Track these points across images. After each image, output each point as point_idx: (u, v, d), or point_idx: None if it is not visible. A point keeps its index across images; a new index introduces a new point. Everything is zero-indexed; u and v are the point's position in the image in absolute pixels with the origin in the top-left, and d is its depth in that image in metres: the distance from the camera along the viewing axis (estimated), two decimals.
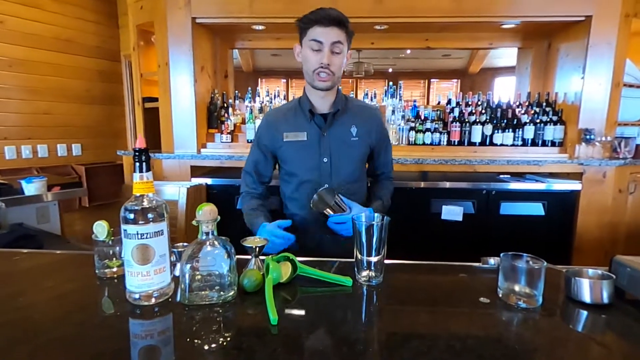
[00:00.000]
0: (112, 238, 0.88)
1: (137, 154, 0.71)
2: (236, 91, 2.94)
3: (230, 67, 3.07)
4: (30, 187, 2.02)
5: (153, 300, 0.74)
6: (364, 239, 0.85)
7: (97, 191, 3.25)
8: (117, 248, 0.88)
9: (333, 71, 1.17)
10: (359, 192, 1.32)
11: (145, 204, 0.73)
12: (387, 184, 1.40)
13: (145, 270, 0.72)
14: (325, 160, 1.24)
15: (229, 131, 2.69)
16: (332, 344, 0.63)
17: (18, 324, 0.67)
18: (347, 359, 0.59)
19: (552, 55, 2.70)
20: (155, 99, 2.82)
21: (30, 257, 1.03)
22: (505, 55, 5.55)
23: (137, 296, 0.74)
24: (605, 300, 0.74)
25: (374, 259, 0.85)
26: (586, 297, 0.75)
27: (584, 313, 0.74)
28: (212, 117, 2.73)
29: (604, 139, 2.39)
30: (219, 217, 0.76)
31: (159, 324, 0.70)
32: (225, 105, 2.77)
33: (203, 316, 0.71)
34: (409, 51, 5.44)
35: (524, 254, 0.78)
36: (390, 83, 2.84)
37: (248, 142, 2.68)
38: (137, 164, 0.71)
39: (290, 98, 3.30)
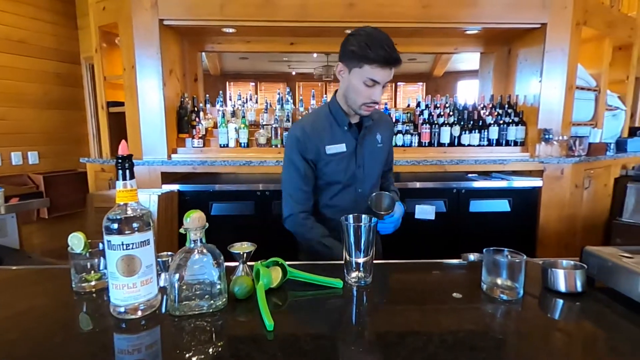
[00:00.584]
0: (90, 250, 0.84)
1: (120, 161, 0.68)
2: (207, 95, 2.88)
3: (200, 71, 3.00)
4: None
5: (139, 313, 0.71)
6: (352, 241, 0.86)
7: (57, 201, 3.06)
8: (96, 260, 0.84)
9: (378, 102, 1.21)
10: (377, 189, 1.42)
11: (130, 212, 0.70)
12: (390, 178, 1.53)
13: (132, 282, 0.69)
14: (359, 167, 1.30)
15: (200, 136, 2.63)
16: (330, 345, 0.64)
17: None
18: (348, 359, 0.59)
19: (512, 60, 2.85)
20: (121, 103, 2.70)
21: None
22: (467, 59, 5.80)
23: (122, 309, 0.70)
24: (579, 288, 0.80)
25: (362, 260, 0.86)
26: (562, 287, 0.80)
27: (560, 301, 0.79)
28: (183, 122, 2.66)
29: (560, 138, 2.55)
30: (207, 224, 0.75)
31: (147, 338, 0.68)
32: (196, 109, 2.70)
33: (194, 326, 0.69)
34: None
35: (505, 249, 0.82)
36: None
37: (221, 146, 2.63)
38: (121, 171, 0.69)
39: (261, 102, 3.27)
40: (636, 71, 3.21)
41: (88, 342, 0.65)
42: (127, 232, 0.68)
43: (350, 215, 0.88)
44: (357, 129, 1.29)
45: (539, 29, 2.51)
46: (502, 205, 2.47)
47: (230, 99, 2.86)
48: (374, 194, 1.24)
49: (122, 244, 0.68)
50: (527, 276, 0.81)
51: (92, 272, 0.84)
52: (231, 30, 2.61)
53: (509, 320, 0.74)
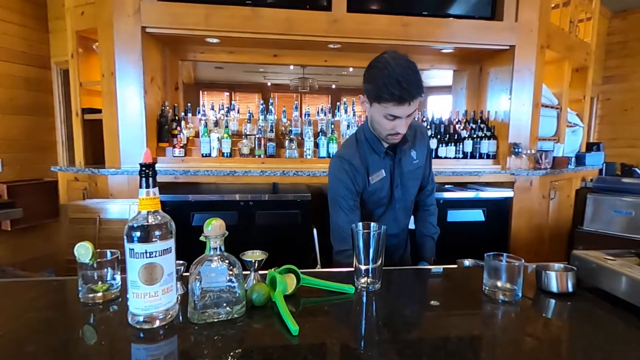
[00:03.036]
0: (98, 260, 0.82)
1: (143, 168, 0.68)
2: (189, 104, 2.84)
3: (181, 79, 2.97)
4: None
5: (157, 322, 0.70)
6: (361, 249, 0.89)
7: (23, 212, 2.88)
8: (104, 270, 0.82)
9: (404, 132, 1.18)
10: (412, 206, 1.44)
11: (151, 220, 0.70)
12: (433, 210, 1.49)
13: (153, 290, 0.69)
14: (397, 187, 1.32)
15: (182, 145, 2.58)
16: (354, 347, 0.66)
17: (7, 354, 0.60)
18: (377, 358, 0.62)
19: (484, 77, 3.04)
20: (97, 110, 2.62)
21: None
22: (437, 76, 6.09)
23: (140, 319, 0.69)
24: (570, 289, 0.87)
25: (371, 266, 0.89)
26: (554, 288, 0.87)
27: (553, 301, 0.86)
28: (163, 131, 2.61)
29: (529, 151, 2.73)
30: (227, 232, 0.76)
31: (166, 347, 0.67)
32: (177, 118, 2.66)
33: (217, 334, 0.69)
34: (351, 69, 5.70)
35: (504, 254, 0.88)
36: (344, 100, 2.96)
37: (203, 156, 2.60)
38: (144, 179, 0.69)
39: (242, 112, 3.26)
40: (591, 91, 3.51)
41: (109, 354, 0.64)
42: (149, 240, 0.68)
43: (360, 223, 0.92)
44: (393, 152, 1.29)
45: (508, 50, 2.70)
46: (477, 215, 2.60)
47: (213, 108, 2.84)
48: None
49: (146, 252, 0.67)
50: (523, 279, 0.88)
51: (100, 282, 0.82)
52: (215, 40, 2.62)
53: (510, 319, 0.79)
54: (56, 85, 3.24)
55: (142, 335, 0.69)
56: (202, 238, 0.74)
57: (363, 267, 0.89)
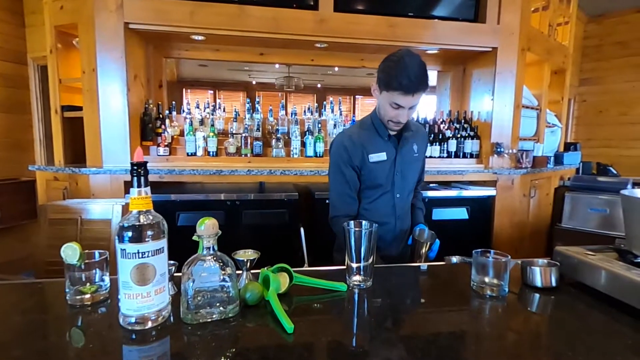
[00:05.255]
0: (85, 261, 0.80)
1: (135, 167, 0.67)
2: (173, 102, 2.80)
3: (165, 77, 2.92)
4: None
5: (150, 323, 0.69)
6: (353, 246, 0.90)
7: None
8: (93, 271, 0.80)
9: (404, 122, 1.30)
10: (409, 204, 1.51)
11: (143, 220, 0.69)
12: (420, 192, 1.62)
13: (146, 290, 0.68)
14: (397, 175, 1.39)
15: (166, 144, 2.54)
16: (347, 344, 0.67)
17: None
18: (374, 355, 0.63)
19: (467, 78, 3.10)
20: (77, 108, 2.55)
21: None
22: None
23: (132, 320, 0.68)
24: (553, 283, 0.90)
25: (363, 264, 0.90)
26: (538, 282, 0.91)
27: (538, 295, 0.89)
28: (147, 129, 2.56)
29: (510, 151, 2.81)
30: (220, 232, 0.75)
31: (158, 348, 0.66)
32: (161, 116, 2.62)
33: (211, 334, 0.68)
34: (337, 68, 5.73)
35: (491, 250, 0.91)
36: (331, 99, 2.97)
37: (188, 155, 2.56)
38: (136, 178, 0.67)
39: (221, 109, 3.23)
40: (569, 93, 3.63)
41: (99, 356, 0.62)
42: (142, 240, 0.67)
43: (352, 222, 0.93)
44: (397, 139, 1.39)
45: (491, 52, 2.77)
46: (461, 213, 2.65)
47: (198, 107, 2.81)
48: (417, 228, 1.39)
49: (138, 252, 0.66)
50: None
51: (88, 284, 0.80)
52: (200, 37, 2.58)
53: (498, 314, 0.82)
54: (33, 81, 3.13)
55: (134, 336, 0.68)
56: (195, 237, 0.73)
57: (355, 265, 0.90)
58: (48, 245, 2.08)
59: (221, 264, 0.75)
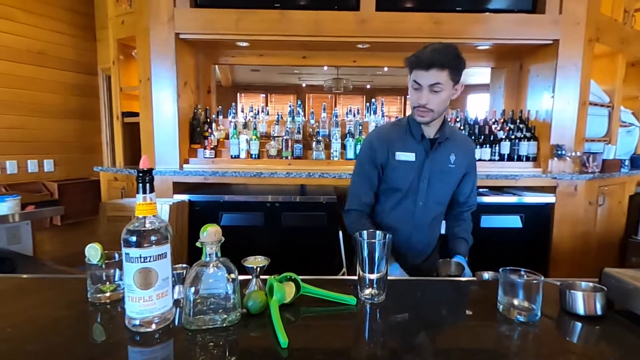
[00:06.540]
0: (106, 261, 0.85)
1: (140, 174, 0.70)
2: (219, 106, 2.92)
3: (213, 83, 3.05)
4: (3, 206, 1.91)
5: (154, 326, 0.71)
6: (366, 257, 0.85)
7: (70, 209, 3.09)
8: (112, 271, 0.85)
9: (431, 109, 1.22)
10: (440, 215, 1.42)
11: (148, 225, 0.71)
12: (468, 221, 1.47)
13: (148, 295, 0.70)
14: (424, 180, 1.31)
15: (212, 146, 2.66)
16: None
17: (11, 353, 0.63)
18: None
19: (524, 75, 2.85)
20: (135, 114, 2.76)
21: (9, 281, 0.97)
22: (478, 73, 5.80)
23: (137, 322, 0.71)
24: (599, 311, 0.78)
25: (376, 276, 0.85)
26: (580, 310, 0.79)
27: (579, 325, 0.78)
28: (195, 133, 2.69)
29: (573, 154, 2.52)
30: (223, 239, 0.75)
31: (160, 351, 0.68)
32: (209, 120, 2.74)
33: (208, 341, 0.69)
34: (386, 68, 5.60)
35: (522, 269, 0.81)
36: (373, 100, 2.91)
37: (232, 157, 2.66)
38: (141, 184, 0.70)
39: (272, 113, 3.31)
40: None
41: (104, 354, 0.65)
42: (145, 245, 0.69)
43: (365, 231, 0.88)
44: (430, 143, 1.31)
45: (551, 45, 2.51)
46: (513, 221, 2.44)
47: (242, 111, 2.90)
48: (440, 261, 1.26)
49: (140, 257, 0.68)
50: (544, 297, 0.80)
51: (108, 283, 0.85)
52: (245, 44, 2.66)
53: (526, 342, 0.72)
54: (102, 90, 3.46)
55: (137, 338, 0.70)
56: (198, 244, 0.74)
57: (367, 277, 0.86)
58: (107, 240, 2.28)
59: (224, 270, 0.75)
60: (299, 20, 2.44)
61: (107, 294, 0.84)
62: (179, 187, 2.48)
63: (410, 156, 1.30)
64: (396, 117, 2.85)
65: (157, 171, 2.49)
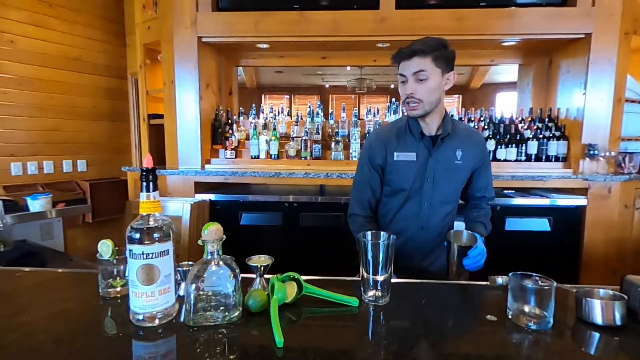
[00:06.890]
0: (117, 257, 0.88)
1: (144, 173, 0.72)
2: (240, 108, 2.97)
3: (235, 84, 3.11)
4: (36, 204, 2.03)
5: (157, 321, 0.73)
6: (370, 258, 0.84)
7: (101, 207, 3.25)
8: (122, 267, 0.88)
9: (420, 99, 1.18)
10: (451, 213, 1.36)
11: (152, 223, 0.73)
12: (487, 209, 1.42)
13: (150, 290, 0.71)
14: (428, 180, 1.28)
15: (233, 147, 2.71)
16: None
17: (20, 343, 0.67)
18: None
19: (553, 71, 2.72)
20: (161, 116, 2.85)
21: (33, 275, 1.03)
22: (506, 70, 5.61)
23: (140, 317, 0.73)
24: (618, 322, 0.73)
25: (380, 277, 0.84)
26: (598, 319, 0.74)
27: (596, 335, 0.73)
28: (217, 133, 2.75)
29: (607, 154, 2.38)
30: (224, 237, 0.76)
31: (162, 346, 0.69)
32: (230, 121, 2.79)
33: (208, 338, 0.70)
34: None
35: (534, 274, 0.77)
36: (394, 99, 2.86)
37: (252, 157, 2.69)
38: (144, 183, 0.72)
39: (294, 114, 3.33)
40: None
41: (108, 347, 0.68)
42: (147, 242, 0.71)
43: (369, 232, 0.87)
44: (432, 141, 1.28)
45: (583, 39, 2.38)
46: (541, 224, 2.33)
47: (262, 112, 2.94)
48: (452, 230, 1.22)
49: (143, 253, 0.70)
50: (559, 305, 0.75)
51: (118, 278, 0.88)
52: (265, 45, 2.69)
53: (535, 352, 0.68)
54: (130, 93, 3.61)
55: (141, 332, 0.72)
56: (199, 242, 0.75)
57: (371, 278, 0.84)
58: None
59: (226, 268, 0.75)
60: (318, 20, 2.44)
61: (118, 289, 0.87)
62: (200, 187, 2.54)
63: (410, 156, 1.27)
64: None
65: (180, 171, 2.56)
